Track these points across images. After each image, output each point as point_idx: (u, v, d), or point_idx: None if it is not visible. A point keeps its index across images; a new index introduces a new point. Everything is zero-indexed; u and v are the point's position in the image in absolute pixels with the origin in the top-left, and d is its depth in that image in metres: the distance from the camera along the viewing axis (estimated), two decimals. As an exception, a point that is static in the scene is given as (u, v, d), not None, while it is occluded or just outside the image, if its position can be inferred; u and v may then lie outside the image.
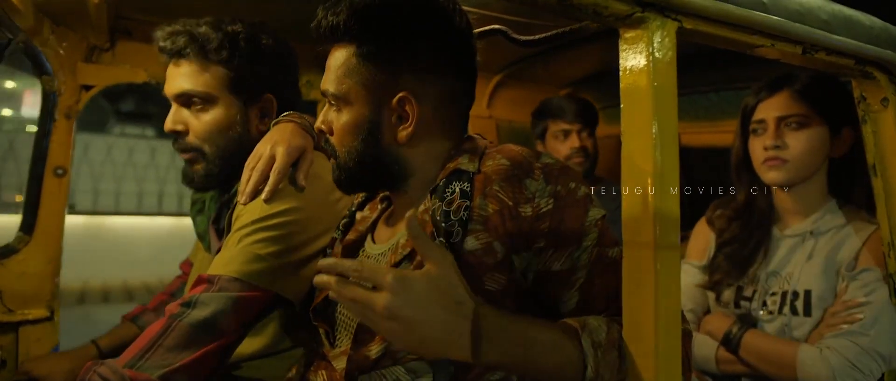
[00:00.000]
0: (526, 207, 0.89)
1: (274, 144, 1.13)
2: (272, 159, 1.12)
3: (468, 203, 0.90)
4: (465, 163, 0.95)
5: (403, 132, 0.96)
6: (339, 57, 0.97)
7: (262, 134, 1.27)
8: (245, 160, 1.17)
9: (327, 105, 1.01)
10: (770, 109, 1.45)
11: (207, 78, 1.25)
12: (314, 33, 0.99)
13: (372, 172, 0.99)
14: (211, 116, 1.27)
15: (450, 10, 0.97)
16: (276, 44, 1.31)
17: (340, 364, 0.95)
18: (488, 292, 0.88)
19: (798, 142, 1.42)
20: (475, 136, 1.03)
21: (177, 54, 1.25)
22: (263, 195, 1.09)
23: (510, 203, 0.89)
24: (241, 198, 1.11)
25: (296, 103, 1.38)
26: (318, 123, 1.03)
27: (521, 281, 0.90)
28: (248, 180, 1.11)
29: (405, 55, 0.95)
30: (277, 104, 1.32)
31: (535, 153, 0.95)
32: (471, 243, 0.88)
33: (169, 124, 1.29)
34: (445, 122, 1.00)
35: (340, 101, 0.98)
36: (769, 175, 1.45)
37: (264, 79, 1.29)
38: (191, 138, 1.28)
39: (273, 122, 1.23)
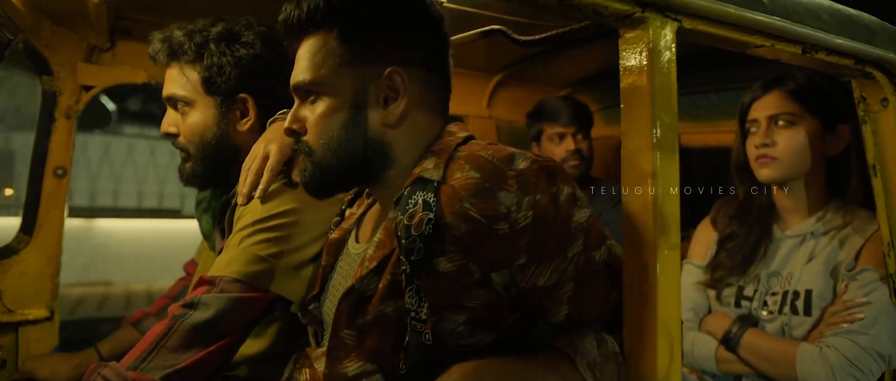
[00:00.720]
0: (501, 224, 0.80)
1: (267, 143, 1.13)
2: (266, 158, 1.12)
3: (430, 216, 0.81)
4: (429, 169, 0.87)
5: (395, 110, 0.91)
6: (313, 44, 0.93)
7: (242, 133, 1.30)
8: (227, 160, 1.19)
9: (296, 103, 0.97)
10: (762, 109, 1.48)
11: (184, 81, 1.29)
12: (284, 28, 0.95)
13: (352, 165, 0.92)
14: (192, 118, 1.31)
15: None
16: (258, 43, 1.30)
17: (321, 365, 0.94)
18: (470, 308, 0.84)
19: (787, 139, 1.44)
20: (450, 131, 0.96)
21: (155, 59, 1.31)
22: (256, 193, 1.09)
23: (484, 222, 0.80)
24: (238, 198, 1.12)
25: (292, 101, 1.37)
26: (288, 124, 0.96)
27: (504, 295, 0.85)
28: (245, 181, 1.12)
29: (389, 29, 0.92)
30: (260, 102, 1.31)
31: (507, 157, 0.83)
32: (444, 264, 0.82)
33: (163, 127, 1.34)
34: (428, 106, 0.95)
35: (319, 87, 0.93)
36: (761, 172, 1.48)
37: (238, 79, 1.29)
38: (181, 139, 1.33)
39: (269, 121, 1.23)
